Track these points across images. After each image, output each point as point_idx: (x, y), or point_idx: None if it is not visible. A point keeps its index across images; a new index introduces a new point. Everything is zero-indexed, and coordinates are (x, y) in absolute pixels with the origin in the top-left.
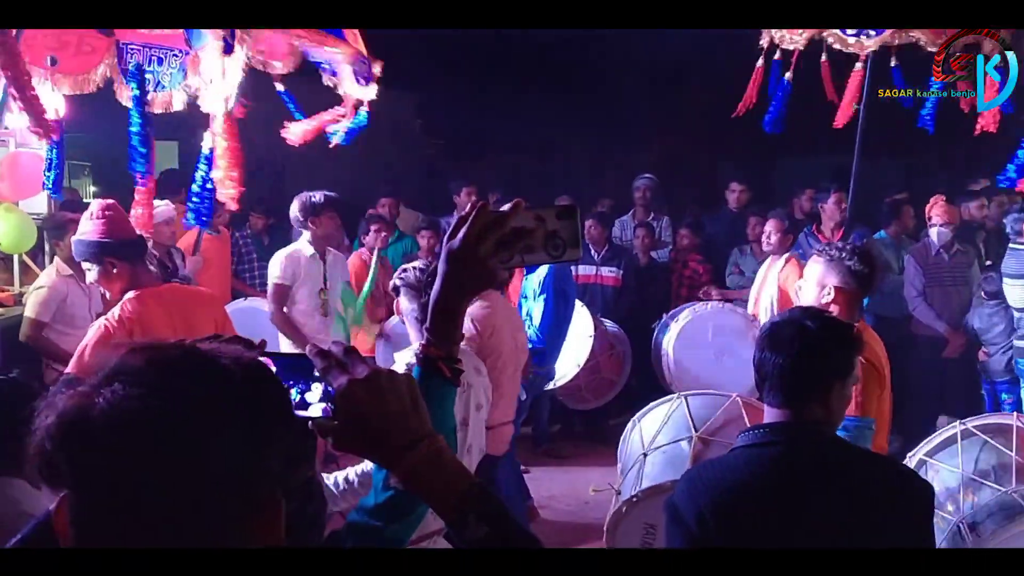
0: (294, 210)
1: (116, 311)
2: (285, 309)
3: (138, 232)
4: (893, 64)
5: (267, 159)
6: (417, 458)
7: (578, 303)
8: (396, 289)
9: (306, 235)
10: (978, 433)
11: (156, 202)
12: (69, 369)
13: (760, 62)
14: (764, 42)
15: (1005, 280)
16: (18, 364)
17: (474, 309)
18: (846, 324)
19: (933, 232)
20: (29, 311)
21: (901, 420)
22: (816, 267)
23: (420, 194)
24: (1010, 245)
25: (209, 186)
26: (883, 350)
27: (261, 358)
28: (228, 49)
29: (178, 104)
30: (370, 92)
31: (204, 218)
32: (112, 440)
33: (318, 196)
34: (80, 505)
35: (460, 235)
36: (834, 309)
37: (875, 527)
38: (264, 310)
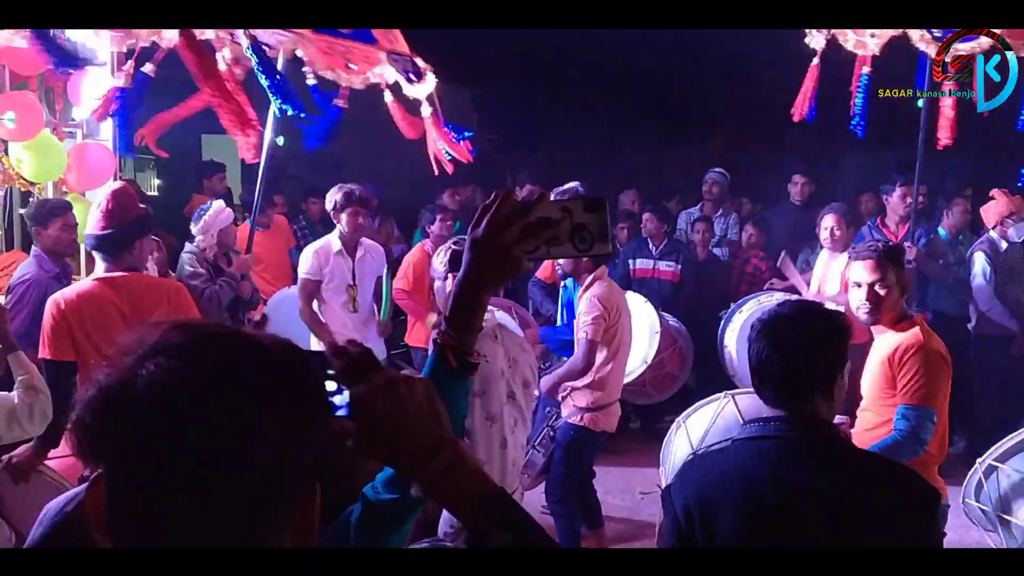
0: (327, 203)
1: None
2: (317, 304)
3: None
4: None
5: (326, 149)
6: (437, 466)
7: (641, 298)
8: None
9: (337, 228)
10: None
11: (215, 203)
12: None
13: (816, 61)
14: (817, 45)
15: None
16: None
17: (596, 289)
18: (838, 313)
19: (1009, 229)
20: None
21: (967, 421)
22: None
23: (474, 187)
24: None
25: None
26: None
27: None
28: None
29: None
30: (426, 87)
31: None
32: (153, 413)
33: (339, 193)
34: (116, 481)
35: (484, 223)
36: (866, 305)
37: (867, 528)
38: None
